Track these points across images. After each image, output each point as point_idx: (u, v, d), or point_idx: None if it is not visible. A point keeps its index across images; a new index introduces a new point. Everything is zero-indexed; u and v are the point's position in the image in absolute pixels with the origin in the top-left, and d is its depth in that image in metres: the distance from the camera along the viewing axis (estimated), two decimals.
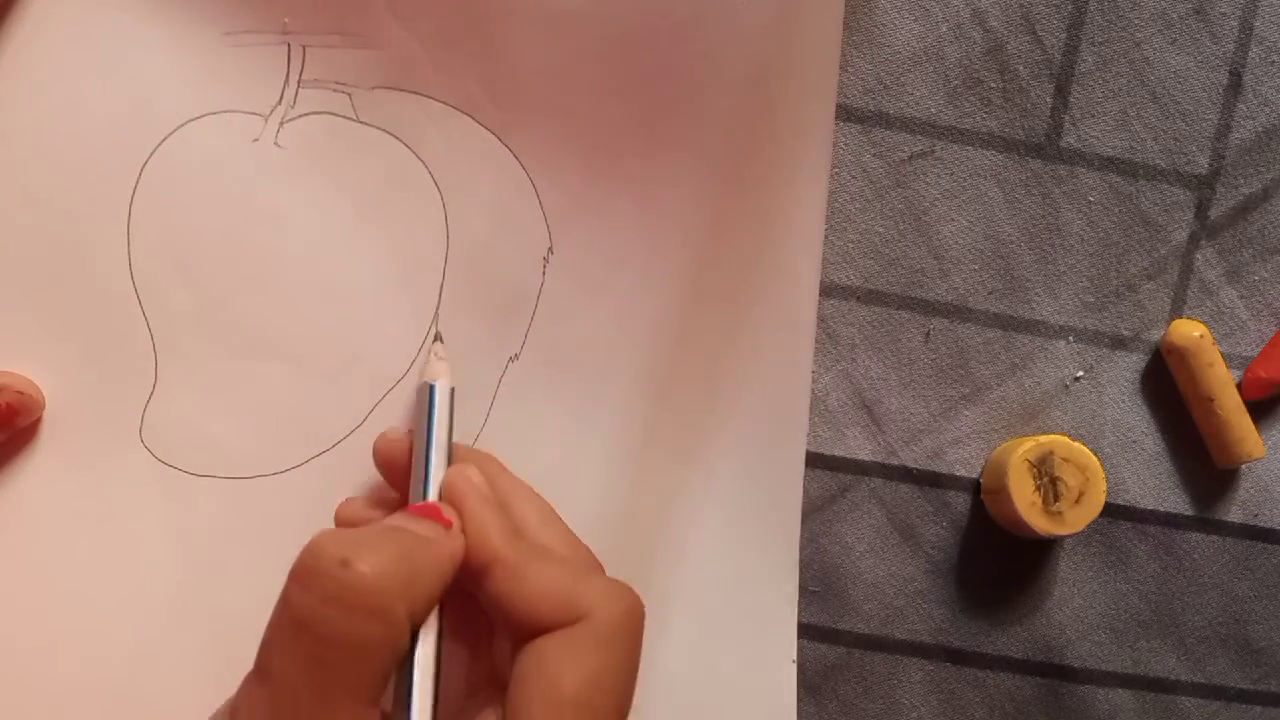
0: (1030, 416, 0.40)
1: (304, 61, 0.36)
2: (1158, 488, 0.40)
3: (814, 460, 0.39)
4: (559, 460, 0.37)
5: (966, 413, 0.40)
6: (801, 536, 0.39)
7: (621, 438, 0.38)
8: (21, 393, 0.35)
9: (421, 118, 0.36)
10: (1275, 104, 0.39)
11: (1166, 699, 0.41)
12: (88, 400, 0.36)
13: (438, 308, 0.37)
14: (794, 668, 0.39)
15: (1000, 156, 0.39)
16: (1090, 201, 0.39)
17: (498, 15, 0.36)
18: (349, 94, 0.36)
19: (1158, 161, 0.39)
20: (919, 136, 0.39)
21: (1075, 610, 0.40)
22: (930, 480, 0.40)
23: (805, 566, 0.39)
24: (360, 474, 0.35)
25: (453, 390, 0.34)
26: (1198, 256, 0.40)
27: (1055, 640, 0.40)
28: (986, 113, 0.39)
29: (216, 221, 0.36)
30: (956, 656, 0.40)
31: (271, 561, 0.37)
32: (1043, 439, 0.38)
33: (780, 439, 0.38)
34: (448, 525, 0.30)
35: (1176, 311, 0.40)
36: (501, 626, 0.30)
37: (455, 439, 0.34)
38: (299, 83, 0.36)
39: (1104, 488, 0.38)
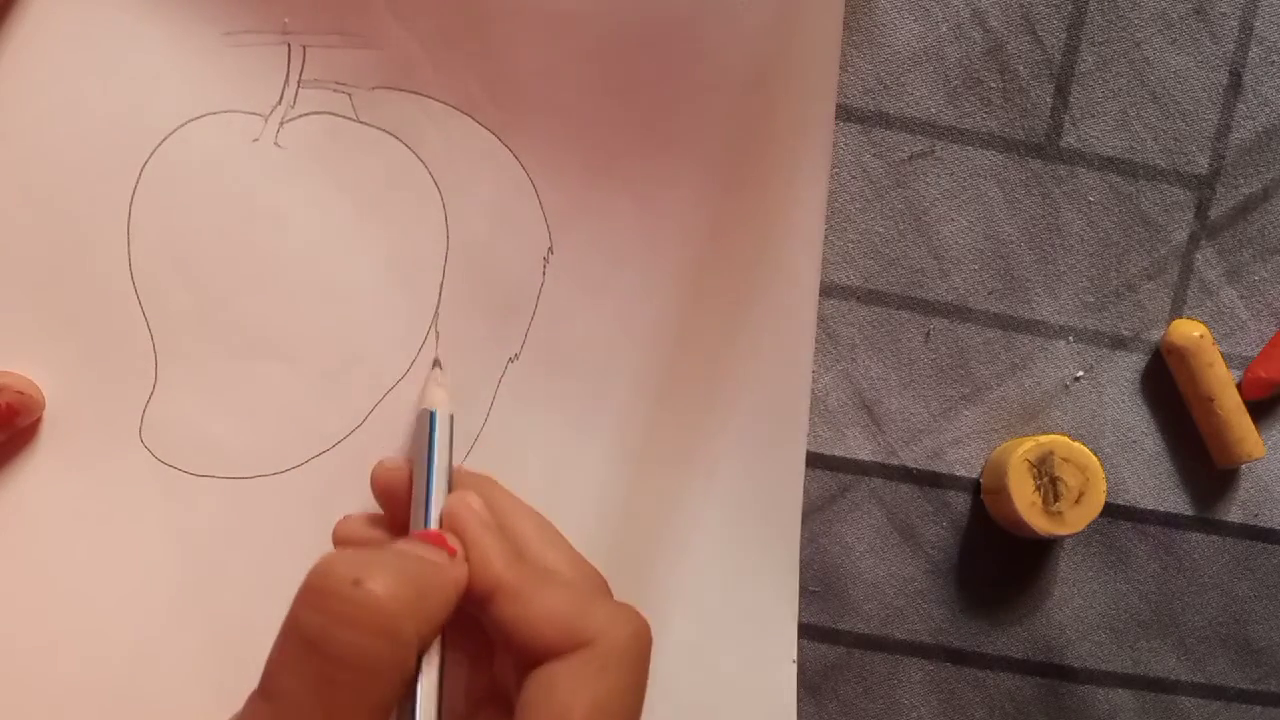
0: (1030, 416, 0.40)
1: (304, 61, 0.36)
2: (1158, 488, 0.40)
3: (814, 460, 0.39)
4: (559, 460, 0.37)
5: (966, 413, 0.40)
6: (801, 536, 0.39)
7: (621, 438, 0.38)
8: (21, 393, 0.35)
9: (421, 118, 0.36)
10: (1275, 104, 0.39)
11: (1166, 699, 0.41)
12: (88, 400, 0.36)
13: (437, 308, 0.37)
14: (794, 668, 0.39)
15: (1000, 156, 0.39)
16: (1090, 201, 0.39)
17: (498, 15, 0.36)
18: (349, 94, 0.36)
19: (1158, 161, 0.39)
20: (919, 136, 0.39)
21: (1075, 610, 0.40)
22: (930, 480, 0.40)
23: (805, 566, 0.39)
24: (360, 474, 0.35)
25: (452, 417, 0.34)
26: (1198, 256, 0.40)
27: (1055, 640, 0.40)
28: (986, 113, 0.39)
29: (216, 221, 0.36)
30: (956, 656, 0.40)
31: (271, 561, 0.37)
32: (1043, 439, 0.38)
33: (780, 439, 0.38)
34: (452, 553, 0.29)
35: (1176, 311, 0.40)
36: (506, 649, 0.30)
37: (455, 440, 0.34)
38: (299, 83, 0.36)
39: (1104, 488, 0.38)
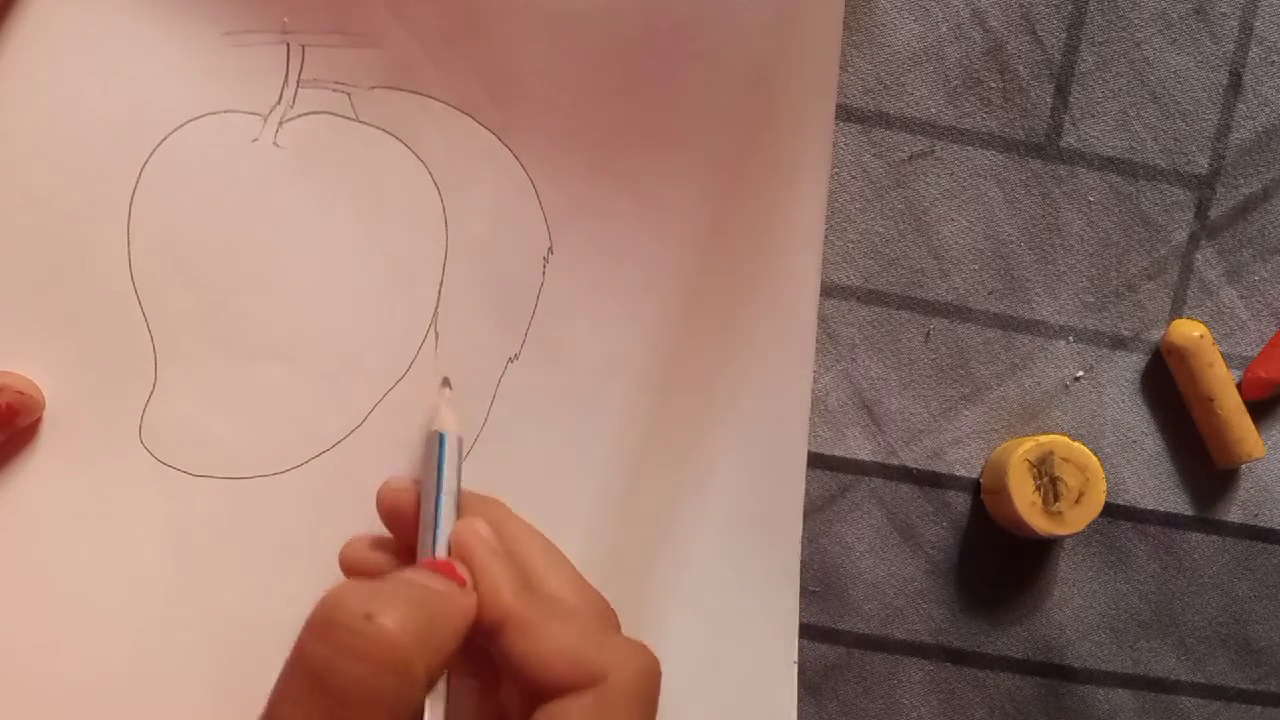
0: (1030, 416, 0.40)
1: (304, 61, 0.36)
2: (1158, 488, 0.40)
3: (814, 460, 0.39)
4: (559, 460, 0.37)
5: (966, 413, 0.40)
6: (802, 536, 0.39)
7: (621, 437, 0.38)
8: (21, 393, 0.35)
9: (421, 117, 0.36)
10: (1275, 104, 0.39)
11: (1166, 699, 0.41)
12: (88, 400, 0.36)
13: (437, 307, 0.37)
14: (794, 668, 0.39)
15: (1000, 156, 0.39)
16: (1090, 201, 0.39)
17: (498, 15, 0.36)
18: (349, 94, 0.36)
19: (1158, 161, 0.39)
20: (919, 136, 0.39)
21: (1075, 610, 0.40)
22: (930, 480, 0.40)
23: (805, 566, 0.39)
24: (360, 474, 0.35)
25: (460, 440, 0.33)
26: (1198, 256, 0.40)
27: (1055, 640, 0.40)
28: (986, 113, 0.39)
29: (216, 221, 0.36)
30: (956, 656, 0.40)
31: (271, 562, 0.37)
32: (1043, 439, 0.38)
33: (780, 439, 0.38)
34: (461, 583, 0.29)
35: (1176, 311, 0.40)
36: (513, 680, 0.30)
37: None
38: (298, 82, 0.36)
39: (1104, 488, 0.38)
